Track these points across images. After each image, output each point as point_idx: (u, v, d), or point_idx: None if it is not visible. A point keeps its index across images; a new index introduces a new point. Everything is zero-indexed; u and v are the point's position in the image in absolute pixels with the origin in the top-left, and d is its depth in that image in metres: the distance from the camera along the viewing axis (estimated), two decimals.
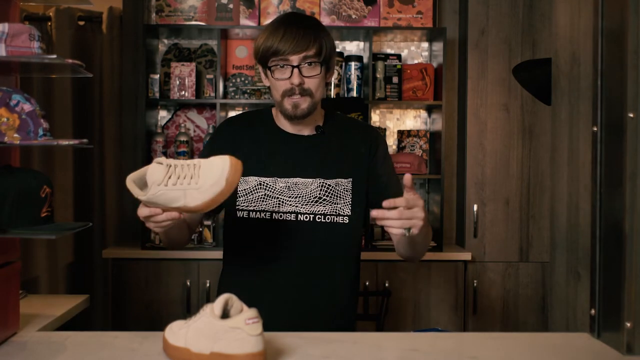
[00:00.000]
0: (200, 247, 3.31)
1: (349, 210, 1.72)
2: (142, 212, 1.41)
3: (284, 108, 1.68)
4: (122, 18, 3.62)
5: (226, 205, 1.76)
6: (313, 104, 1.68)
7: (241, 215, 1.71)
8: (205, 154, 1.79)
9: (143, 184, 1.40)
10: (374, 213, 1.36)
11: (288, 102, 1.67)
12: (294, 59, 1.64)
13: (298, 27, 1.67)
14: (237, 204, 1.71)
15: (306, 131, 1.76)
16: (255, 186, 1.71)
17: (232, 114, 3.64)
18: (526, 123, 3.43)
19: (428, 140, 3.62)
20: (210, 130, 3.50)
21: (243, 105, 3.58)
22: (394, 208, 1.38)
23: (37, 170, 1.53)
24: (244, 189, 1.72)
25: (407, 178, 1.38)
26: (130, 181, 1.40)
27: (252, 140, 1.77)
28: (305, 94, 1.66)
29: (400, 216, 1.36)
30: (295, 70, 1.64)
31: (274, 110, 1.80)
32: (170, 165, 1.34)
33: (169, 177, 1.34)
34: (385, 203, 1.36)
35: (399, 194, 1.79)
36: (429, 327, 3.21)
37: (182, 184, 1.33)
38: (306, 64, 1.65)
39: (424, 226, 1.42)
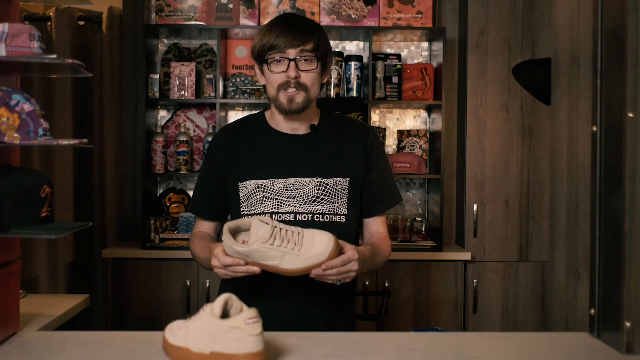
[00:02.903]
0: None
1: (345, 210, 1.72)
2: (226, 260, 1.49)
3: (279, 102, 1.69)
4: (122, 18, 3.62)
5: (232, 212, 1.78)
6: (308, 100, 1.69)
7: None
8: (205, 166, 1.83)
9: (234, 233, 1.51)
10: (314, 273, 1.49)
11: (283, 96, 1.67)
12: (291, 53, 1.66)
13: (295, 24, 1.70)
14: (242, 209, 1.72)
15: (301, 130, 1.76)
16: (253, 190, 1.71)
17: (232, 114, 3.64)
18: (526, 123, 3.43)
19: (428, 140, 3.62)
20: (210, 130, 3.50)
21: (243, 105, 3.58)
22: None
23: (37, 170, 1.53)
24: (244, 195, 1.72)
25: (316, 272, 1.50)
26: (228, 232, 1.49)
27: (248, 145, 1.77)
28: (300, 88, 1.67)
29: (338, 273, 1.51)
30: (292, 63, 1.66)
31: (268, 114, 1.81)
32: (276, 227, 1.46)
33: (275, 239, 1.44)
34: (323, 267, 1.48)
35: (391, 192, 1.81)
36: (429, 327, 3.21)
37: (285, 247, 1.45)
38: (303, 59, 1.67)
39: (362, 268, 1.57)
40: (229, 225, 1.50)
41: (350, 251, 1.53)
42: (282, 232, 1.45)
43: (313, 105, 1.75)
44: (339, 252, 1.50)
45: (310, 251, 1.45)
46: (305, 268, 1.46)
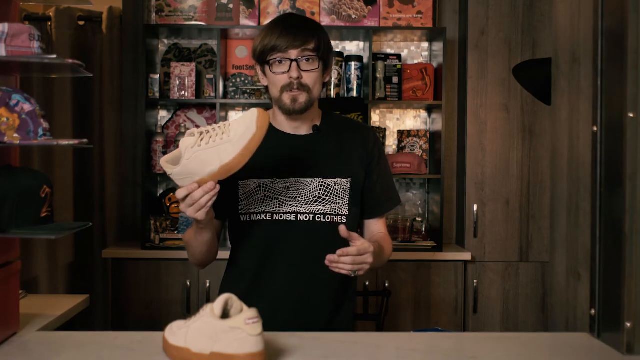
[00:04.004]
0: None
1: (346, 210, 1.72)
2: (179, 192, 1.44)
3: (282, 103, 1.69)
4: (122, 18, 3.62)
5: (228, 211, 1.77)
6: (310, 100, 1.69)
7: (244, 219, 1.72)
8: None
9: (177, 164, 1.43)
10: (329, 258, 1.48)
11: (286, 96, 1.68)
12: (293, 53, 1.66)
13: (296, 24, 1.70)
14: (240, 208, 1.72)
15: (303, 131, 1.77)
16: (254, 188, 1.71)
17: (232, 114, 3.64)
18: (526, 123, 3.43)
19: (428, 140, 3.62)
20: None
21: (243, 106, 3.58)
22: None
23: (37, 170, 1.53)
24: (245, 193, 1.72)
25: (342, 229, 1.51)
26: (164, 161, 1.43)
27: None
28: (303, 89, 1.67)
29: (353, 262, 1.50)
30: (294, 64, 1.66)
31: (269, 113, 1.81)
32: (202, 132, 1.39)
33: (202, 139, 1.38)
34: (338, 252, 1.48)
35: (391, 194, 1.82)
36: (429, 327, 3.21)
37: (214, 141, 1.37)
38: (304, 59, 1.67)
39: (374, 262, 1.56)
40: (165, 157, 1.45)
41: (366, 242, 1.53)
42: (207, 133, 1.39)
43: (315, 105, 1.75)
44: (267, 123, 1.41)
45: (238, 130, 1.37)
46: (244, 148, 1.37)
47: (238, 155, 1.38)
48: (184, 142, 1.39)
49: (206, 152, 1.38)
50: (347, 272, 1.52)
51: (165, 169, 1.43)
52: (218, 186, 1.43)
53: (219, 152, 1.37)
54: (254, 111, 1.39)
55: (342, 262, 1.49)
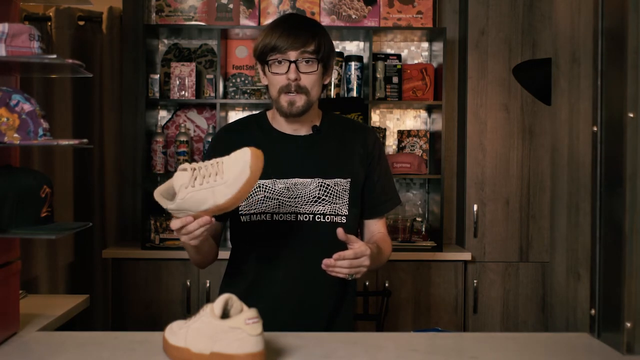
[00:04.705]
0: None
1: (346, 210, 1.72)
2: (175, 224, 1.43)
3: (280, 105, 1.69)
4: (122, 18, 3.62)
5: (230, 212, 1.77)
6: (308, 102, 1.69)
7: (244, 220, 1.72)
8: None
9: (171, 196, 1.43)
10: (326, 262, 1.48)
11: (284, 99, 1.67)
12: (292, 54, 1.66)
13: (297, 25, 1.69)
14: (240, 209, 1.72)
15: (303, 131, 1.76)
16: (254, 189, 1.71)
17: (232, 114, 3.64)
18: (526, 123, 3.43)
19: (428, 140, 3.62)
20: (211, 130, 3.50)
21: (243, 105, 3.58)
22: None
23: (37, 170, 1.53)
24: None
25: (340, 232, 1.51)
26: (158, 194, 1.42)
27: (249, 144, 1.77)
28: (301, 91, 1.67)
29: (350, 266, 1.51)
30: (292, 65, 1.65)
31: (269, 113, 1.81)
32: (195, 169, 1.38)
33: (195, 179, 1.37)
34: (335, 256, 1.48)
35: (391, 194, 1.82)
36: (429, 327, 3.21)
37: (208, 182, 1.37)
38: (303, 61, 1.66)
39: (371, 263, 1.56)
40: (158, 189, 1.44)
41: (363, 245, 1.53)
42: (201, 171, 1.38)
43: (314, 106, 1.75)
44: (260, 165, 1.40)
45: (232, 172, 1.37)
46: (238, 191, 1.36)
47: (232, 198, 1.37)
48: (178, 179, 1.38)
49: (200, 193, 1.37)
50: (344, 276, 1.52)
51: (160, 203, 1.42)
52: (213, 219, 1.43)
53: (214, 193, 1.37)
54: (246, 153, 1.38)
55: (338, 265, 1.49)
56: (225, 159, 1.39)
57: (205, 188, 1.37)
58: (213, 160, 1.40)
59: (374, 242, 1.72)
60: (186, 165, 1.40)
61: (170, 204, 1.40)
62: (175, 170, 1.42)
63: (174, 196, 1.43)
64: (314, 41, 1.67)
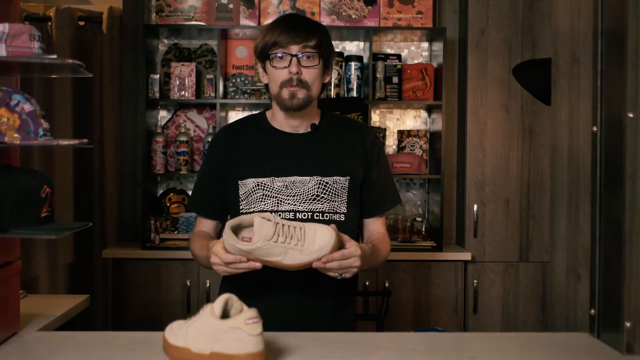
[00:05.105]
0: None
1: (345, 209, 1.73)
2: (227, 258, 1.49)
3: (281, 99, 1.70)
4: (122, 18, 3.62)
5: (230, 211, 1.78)
6: (309, 97, 1.70)
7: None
8: (206, 163, 1.85)
9: (234, 230, 1.51)
10: (315, 265, 1.50)
11: (285, 92, 1.69)
12: (294, 49, 1.67)
13: (298, 23, 1.72)
14: (241, 207, 1.73)
15: (302, 129, 1.77)
16: (253, 188, 1.72)
17: (232, 114, 3.64)
18: (526, 123, 3.43)
19: (428, 140, 3.62)
20: (211, 130, 3.50)
21: (243, 105, 3.58)
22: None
23: (37, 170, 1.53)
24: (245, 192, 1.73)
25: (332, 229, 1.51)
26: (230, 231, 1.49)
27: (248, 143, 1.78)
28: (302, 86, 1.68)
29: (339, 267, 1.52)
30: (294, 59, 1.67)
31: (269, 113, 1.82)
32: (278, 224, 1.46)
33: (278, 235, 1.45)
34: (323, 259, 1.49)
35: (391, 193, 1.82)
36: (429, 327, 3.21)
37: (289, 243, 1.45)
38: (305, 55, 1.68)
39: (363, 264, 1.57)
40: (230, 222, 1.50)
41: (353, 247, 1.53)
42: (284, 228, 1.46)
43: (314, 104, 1.76)
44: (340, 244, 1.51)
45: (312, 245, 1.46)
46: (308, 262, 1.48)
47: (300, 264, 1.48)
48: (261, 228, 1.44)
49: (276, 248, 1.45)
50: (334, 275, 1.54)
51: (231, 240, 1.47)
52: (261, 265, 1.49)
53: (286, 253, 1.46)
54: (333, 234, 1.47)
55: (327, 267, 1.51)
56: (307, 227, 1.48)
57: (281, 246, 1.45)
58: (296, 224, 1.48)
59: (370, 243, 1.73)
60: (269, 215, 1.47)
61: (243, 246, 1.46)
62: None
63: (237, 232, 1.52)
64: (315, 37, 1.69)
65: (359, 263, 1.54)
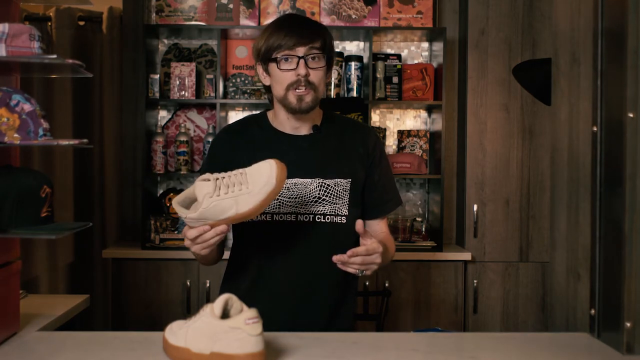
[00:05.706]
0: None
1: (346, 211, 1.72)
2: (190, 233, 1.46)
3: (287, 101, 1.68)
4: (122, 18, 3.62)
5: None
6: (316, 99, 1.69)
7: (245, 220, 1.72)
8: (207, 164, 1.84)
9: (187, 206, 1.46)
10: (338, 258, 1.48)
11: (292, 95, 1.67)
12: (300, 50, 1.65)
13: (301, 23, 1.71)
14: None
15: (304, 131, 1.76)
16: None
17: (232, 114, 3.64)
18: (526, 123, 3.43)
19: (428, 140, 3.62)
20: (211, 130, 3.50)
21: (243, 105, 3.58)
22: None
23: (37, 170, 1.53)
24: None
25: (359, 224, 1.53)
26: (177, 204, 1.45)
27: (249, 144, 1.77)
28: (310, 87, 1.66)
29: (362, 262, 1.51)
30: (302, 61, 1.65)
31: (270, 114, 1.81)
32: (218, 178, 1.42)
33: (219, 188, 1.41)
34: (348, 253, 1.48)
35: (393, 194, 1.81)
36: (429, 327, 3.21)
37: (233, 191, 1.41)
38: (311, 57, 1.67)
39: (381, 262, 1.56)
40: (176, 198, 1.47)
41: (375, 242, 1.53)
42: (224, 180, 1.42)
43: (318, 104, 1.75)
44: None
45: (258, 182, 1.41)
46: (263, 200, 1.42)
47: (256, 207, 1.42)
48: (201, 189, 1.41)
49: (224, 202, 1.41)
50: (354, 271, 1.53)
51: (179, 213, 1.45)
52: (230, 227, 1.46)
53: (237, 202, 1.41)
54: (272, 164, 1.42)
55: (350, 262, 1.49)
56: (249, 169, 1.43)
57: (229, 197, 1.40)
58: (236, 171, 1.44)
59: (381, 241, 1.72)
60: (208, 175, 1.43)
61: (191, 213, 1.42)
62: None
63: (189, 206, 1.46)
64: (320, 37, 1.68)
65: (380, 260, 1.54)
